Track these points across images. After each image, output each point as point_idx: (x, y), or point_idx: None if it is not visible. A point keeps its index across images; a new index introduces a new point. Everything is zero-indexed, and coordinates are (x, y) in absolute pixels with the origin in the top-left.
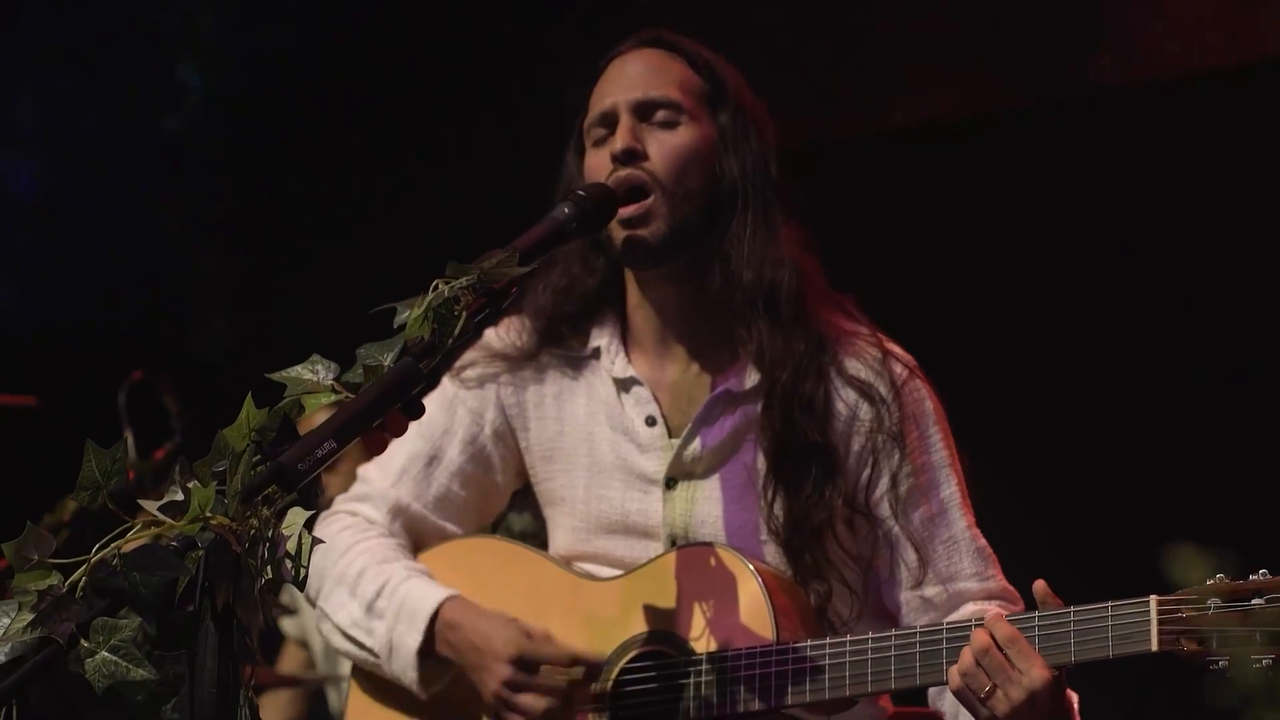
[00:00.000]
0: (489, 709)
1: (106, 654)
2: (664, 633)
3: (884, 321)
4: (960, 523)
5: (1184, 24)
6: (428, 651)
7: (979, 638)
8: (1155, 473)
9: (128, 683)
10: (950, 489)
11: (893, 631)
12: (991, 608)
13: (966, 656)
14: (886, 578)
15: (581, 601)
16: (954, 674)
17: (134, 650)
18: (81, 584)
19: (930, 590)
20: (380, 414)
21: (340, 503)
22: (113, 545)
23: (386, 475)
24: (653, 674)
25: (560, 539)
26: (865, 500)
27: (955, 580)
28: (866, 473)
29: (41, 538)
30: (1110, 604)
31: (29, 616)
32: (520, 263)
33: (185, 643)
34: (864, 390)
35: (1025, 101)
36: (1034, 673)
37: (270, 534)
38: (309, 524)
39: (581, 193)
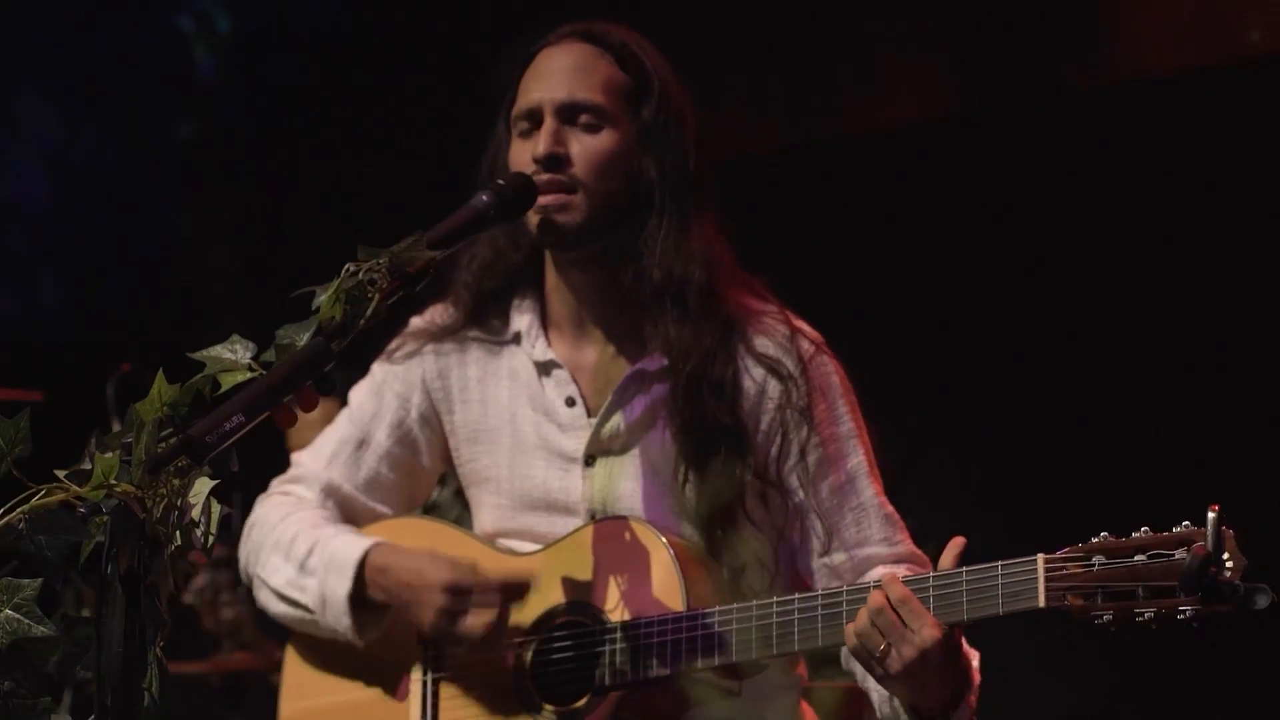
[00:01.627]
0: (427, 645)
1: (10, 612)
2: (581, 603)
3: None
4: (868, 491)
5: (1164, 24)
6: (359, 598)
7: (874, 598)
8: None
9: (31, 639)
10: (858, 459)
11: (795, 595)
12: (900, 570)
13: (862, 616)
14: (799, 546)
15: (504, 576)
16: (850, 633)
17: (35, 609)
18: None
19: (839, 557)
20: (289, 390)
21: (275, 485)
22: (18, 510)
23: (319, 459)
24: (570, 644)
25: (485, 517)
26: (776, 473)
27: (863, 546)
28: (776, 446)
29: None
30: (1000, 563)
31: None
32: (437, 247)
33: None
34: (772, 367)
35: (1006, 101)
36: (925, 632)
37: (179, 502)
38: (215, 492)
39: (501, 181)
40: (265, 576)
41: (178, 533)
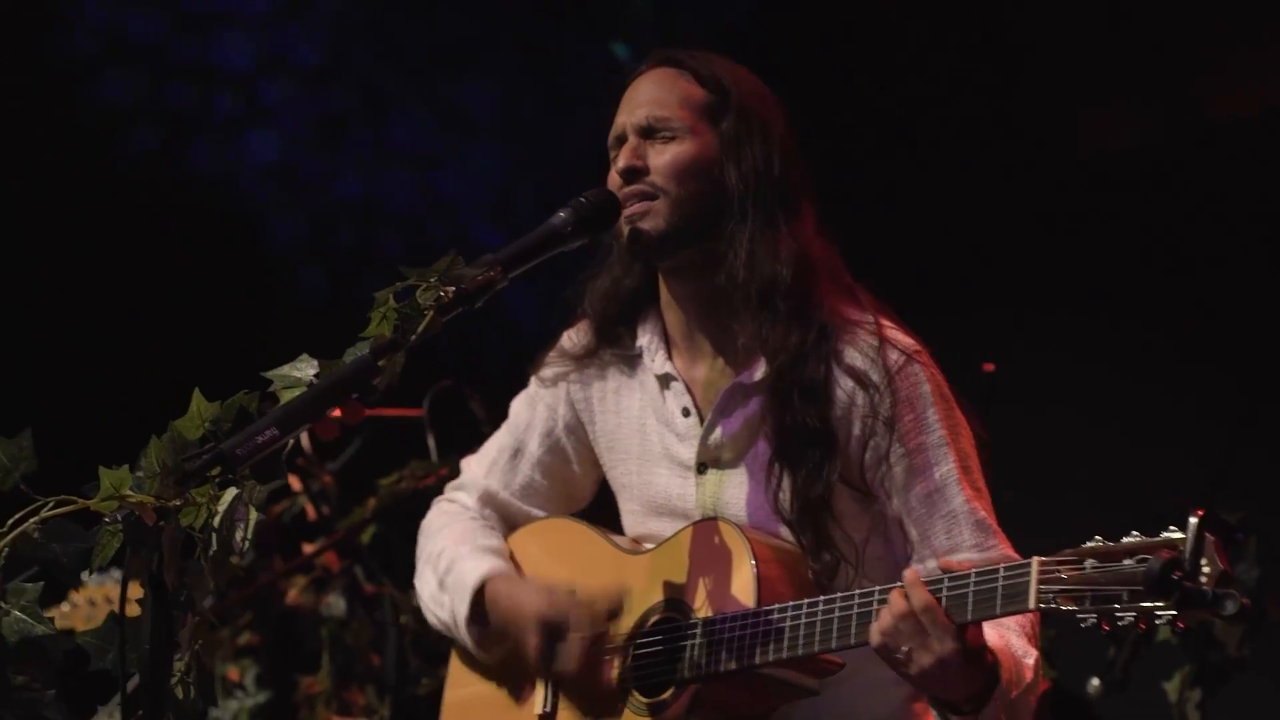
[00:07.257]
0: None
1: (18, 613)
2: (676, 601)
3: None
4: (958, 498)
5: None
6: (478, 620)
7: (896, 602)
8: None
9: (36, 637)
10: (947, 466)
11: (838, 595)
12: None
13: (885, 618)
14: (896, 551)
15: (619, 574)
16: (874, 631)
17: (37, 609)
18: (5, 553)
19: (932, 563)
20: (326, 405)
21: (447, 490)
22: (30, 521)
23: (482, 465)
24: (661, 639)
25: (626, 520)
26: (865, 481)
27: (956, 552)
28: (866, 455)
29: None
30: (1003, 566)
31: None
32: (508, 265)
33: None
34: (859, 378)
35: None
36: (946, 644)
37: (213, 510)
38: (240, 499)
39: (583, 199)
40: (419, 588)
41: (213, 537)
